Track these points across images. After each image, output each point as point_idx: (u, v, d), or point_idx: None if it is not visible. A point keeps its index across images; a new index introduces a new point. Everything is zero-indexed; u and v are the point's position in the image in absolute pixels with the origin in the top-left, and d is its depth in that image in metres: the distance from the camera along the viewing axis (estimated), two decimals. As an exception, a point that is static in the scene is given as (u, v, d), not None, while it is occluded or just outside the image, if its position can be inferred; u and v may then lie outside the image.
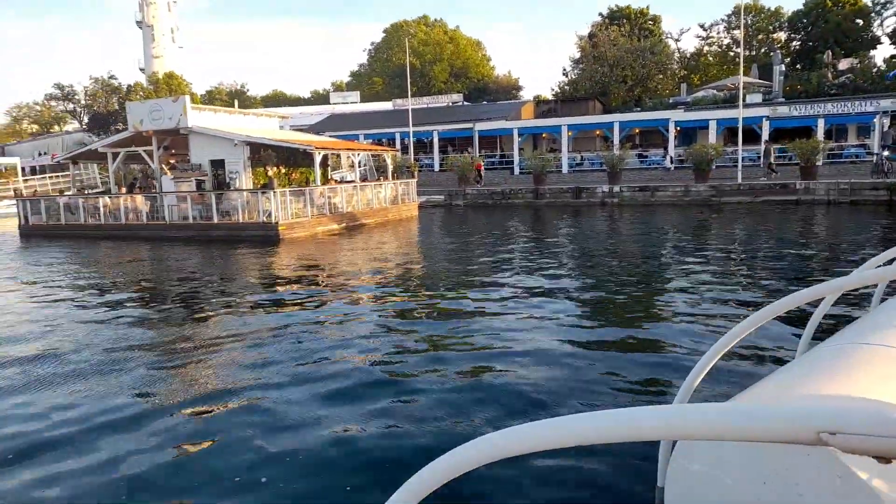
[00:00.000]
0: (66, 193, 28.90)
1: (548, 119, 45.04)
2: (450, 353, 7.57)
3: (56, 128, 79.40)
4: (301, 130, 42.29)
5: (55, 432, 5.58)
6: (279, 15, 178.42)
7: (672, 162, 37.53)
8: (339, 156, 31.37)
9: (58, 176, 48.67)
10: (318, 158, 24.37)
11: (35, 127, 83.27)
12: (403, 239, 21.33)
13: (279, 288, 12.72)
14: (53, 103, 77.51)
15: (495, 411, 5.72)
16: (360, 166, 31.38)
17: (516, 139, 42.57)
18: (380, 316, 9.70)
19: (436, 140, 45.65)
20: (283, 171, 25.55)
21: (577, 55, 57.94)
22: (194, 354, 7.92)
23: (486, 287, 11.63)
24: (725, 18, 60.77)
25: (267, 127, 29.14)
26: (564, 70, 60.17)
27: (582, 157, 42.03)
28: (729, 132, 37.97)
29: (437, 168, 44.53)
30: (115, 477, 4.71)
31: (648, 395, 6.09)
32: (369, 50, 75.73)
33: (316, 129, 49.40)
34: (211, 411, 5.98)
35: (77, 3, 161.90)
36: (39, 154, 62.58)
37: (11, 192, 39.66)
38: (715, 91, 44.86)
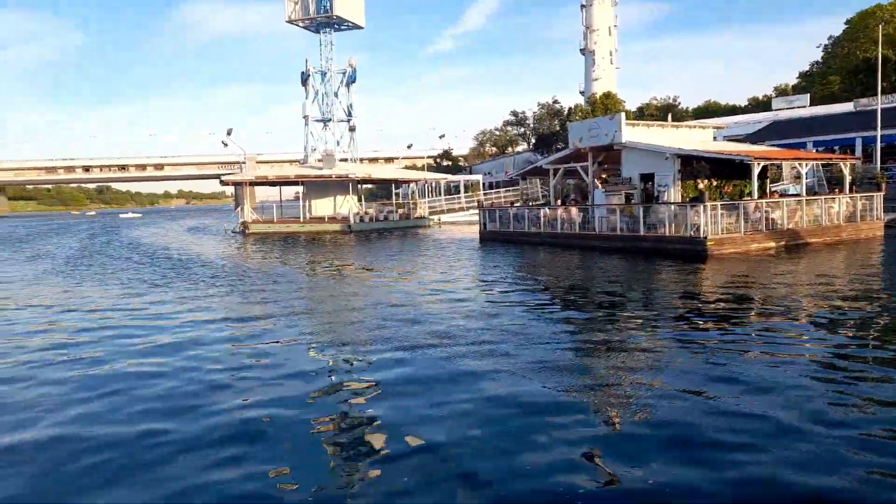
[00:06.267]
0: (514, 205, 33.38)
1: None
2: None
3: (509, 149, 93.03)
4: (736, 141, 39.46)
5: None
6: (715, 24, 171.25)
7: None
8: (779, 166, 28.12)
9: (508, 190, 56.82)
10: (755, 170, 22.26)
11: (494, 149, 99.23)
12: (860, 264, 17.70)
13: (703, 306, 11.97)
14: (509, 128, 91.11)
15: None
16: (806, 178, 27.47)
17: None
18: (821, 353, 8.14)
19: (914, 145, 36.74)
20: (715, 183, 24.16)
21: None
22: (615, 360, 8.00)
23: None
24: None
25: (699, 139, 28.07)
26: None
27: None
28: None
29: (913, 179, 35.81)
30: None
31: None
32: (825, 46, 65.93)
33: (753, 138, 45.48)
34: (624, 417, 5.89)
35: (531, 41, 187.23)
36: (494, 172, 74.31)
37: (475, 203, 48.00)
38: None
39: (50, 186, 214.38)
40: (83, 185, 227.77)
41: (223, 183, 50.30)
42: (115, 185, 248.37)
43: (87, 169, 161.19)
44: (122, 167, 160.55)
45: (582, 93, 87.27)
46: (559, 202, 29.25)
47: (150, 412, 6.67)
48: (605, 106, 62.09)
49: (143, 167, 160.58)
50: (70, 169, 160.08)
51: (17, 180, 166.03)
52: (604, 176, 28.66)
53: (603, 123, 26.21)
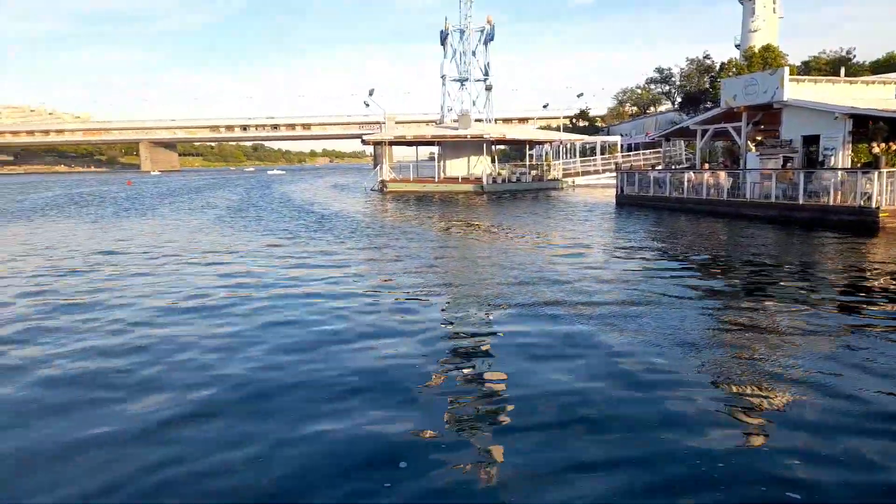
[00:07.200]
0: (656, 168, 31.72)
1: None
2: None
3: (652, 109, 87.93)
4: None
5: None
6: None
7: None
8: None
9: (649, 152, 54.00)
10: (948, 132, 19.34)
11: (635, 109, 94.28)
12: None
13: (870, 285, 10.74)
14: (652, 86, 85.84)
15: None
16: None
17: None
18: None
19: None
20: (895, 147, 21.32)
21: None
22: (756, 339, 7.44)
23: None
24: None
25: (877, 96, 24.79)
26: None
27: None
28: None
29: None
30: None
31: None
32: None
33: (947, 95, 39.34)
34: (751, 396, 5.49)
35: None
36: (634, 133, 70.77)
37: (612, 166, 46.21)
38: None
39: (213, 144, 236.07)
40: (241, 144, 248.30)
41: (364, 142, 52.36)
42: (267, 144, 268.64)
43: (244, 128, 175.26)
44: (275, 126, 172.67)
45: (737, 46, 79.87)
46: (706, 166, 27.38)
47: (282, 351, 7.26)
48: (763, 60, 56.47)
49: (292, 126, 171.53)
50: (230, 128, 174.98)
51: (186, 138, 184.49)
52: (758, 138, 26.37)
53: (761, 79, 23.96)
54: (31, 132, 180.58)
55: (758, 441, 4.86)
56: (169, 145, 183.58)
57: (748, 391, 5.87)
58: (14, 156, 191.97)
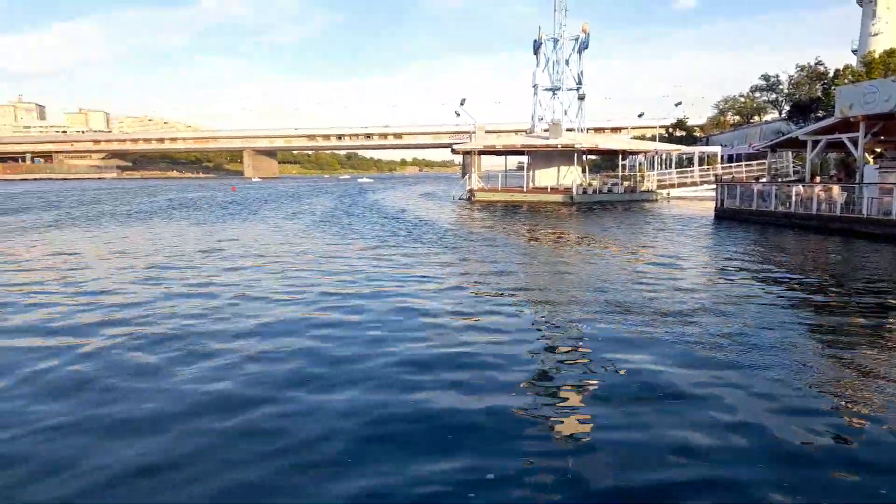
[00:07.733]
0: (760, 181, 30.02)
1: None
2: None
3: (756, 118, 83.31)
4: None
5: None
6: None
7: None
8: None
9: (752, 164, 51.18)
10: None
11: (737, 118, 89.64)
12: None
13: None
14: (757, 94, 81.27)
15: None
16: None
17: None
18: None
19: None
20: None
21: None
22: (867, 362, 6.80)
23: None
24: None
25: None
26: None
27: None
28: None
29: None
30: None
31: None
32: None
33: None
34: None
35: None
36: (736, 143, 67.26)
37: (712, 178, 44.19)
38: None
39: (310, 153, 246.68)
40: (335, 152, 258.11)
41: (454, 151, 52.90)
42: (360, 153, 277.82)
43: (339, 137, 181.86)
44: (368, 136, 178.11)
45: (854, 51, 74.36)
46: (817, 179, 25.60)
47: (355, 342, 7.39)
48: (886, 66, 52.22)
49: (384, 136, 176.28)
50: (326, 137, 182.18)
51: (286, 146, 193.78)
52: (878, 150, 24.43)
53: (883, 86, 22.16)
54: (147, 140, 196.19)
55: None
56: (269, 153, 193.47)
57: (856, 422, 5.37)
58: (133, 162, 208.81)
